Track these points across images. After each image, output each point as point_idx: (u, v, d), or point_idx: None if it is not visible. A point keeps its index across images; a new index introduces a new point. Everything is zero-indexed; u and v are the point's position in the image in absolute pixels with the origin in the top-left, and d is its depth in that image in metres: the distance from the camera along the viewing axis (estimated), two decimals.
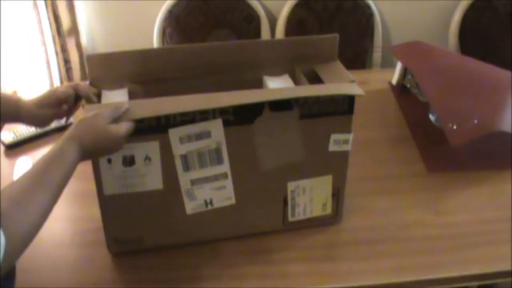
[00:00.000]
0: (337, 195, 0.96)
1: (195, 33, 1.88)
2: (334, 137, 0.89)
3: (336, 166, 0.93)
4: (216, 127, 0.83)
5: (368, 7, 1.91)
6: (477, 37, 1.97)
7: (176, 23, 1.86)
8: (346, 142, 0.90)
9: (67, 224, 1.02)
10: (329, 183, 0.94)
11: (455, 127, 1.10)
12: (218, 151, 0.85)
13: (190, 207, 0.89)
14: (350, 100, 0.86)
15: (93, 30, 1.95)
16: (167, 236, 0.93)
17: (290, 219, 0.96)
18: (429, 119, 1.26)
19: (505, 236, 0.98)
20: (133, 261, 0.92)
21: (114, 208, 0.87)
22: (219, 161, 0.86)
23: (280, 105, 0.84)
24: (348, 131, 0.89)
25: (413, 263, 0.93)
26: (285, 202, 0.94)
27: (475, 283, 0.96)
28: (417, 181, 1.11)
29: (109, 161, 0.82)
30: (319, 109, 0.86)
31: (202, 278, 0.90)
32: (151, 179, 0.85)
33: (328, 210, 0.97)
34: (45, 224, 0.65)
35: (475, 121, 1.10)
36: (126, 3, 1.89)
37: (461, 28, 1.95)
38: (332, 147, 0.90)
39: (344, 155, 0.92)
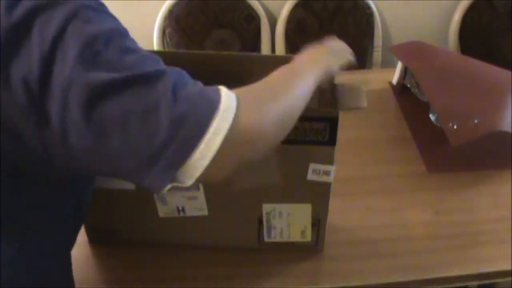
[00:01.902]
0: (318, 225, 0.90)
1: (195, 33, 1.88)
2: (313, 166, 0.83)
3: (316, 196, 0.87)
4: None
5: (368, 7, 1.91)
6: (477, 37, 1.97)
7: (176, 23, 1.86)
8: (327, 173, 0.83)
9: None
10: (308, 211, 0.89)
11: (455, 127, 1.10)
12: None
13: (163, 211, 0.89)
14: (331, 130, 0.79)
15: None
16: (141, 234, 0.94)
17: (266, 239, 0.93)
18: (429, 119, 1.26)
19: (505, 236, 0.98)
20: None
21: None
22: None
23: None
24: (329, 162, 0.82)
25: (413, 263, 0.93)
26: (260, 222, 0.90)
27: (475, 283, 0.96)
28: (417, 181, 1.11)
29: None
30: (296, 136, 0.80)
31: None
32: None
33: (308, 238, 0.93)
34: None
35: (475, 121, 1.10)
36: (126, 3, 1.89)
37: (461, 28, 1.95)
38: (310, 177, 0.84)
39: (325, 186, 0.85)
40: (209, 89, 0.57)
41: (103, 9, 0.57)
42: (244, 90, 0.61)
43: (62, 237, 0.73)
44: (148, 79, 0.53)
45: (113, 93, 0.52)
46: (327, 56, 0.80)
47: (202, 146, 0.54)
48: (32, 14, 0.52)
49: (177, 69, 0.58)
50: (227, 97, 0.57)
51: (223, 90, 0.58)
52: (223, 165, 0.57)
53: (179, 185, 0.57)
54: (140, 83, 0.53)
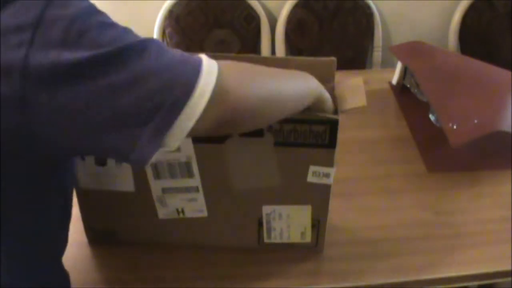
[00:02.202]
0: (317, 226, 0.90)
1: (195, 33, 1.88)
2: (313, 168, 0.83)
3: (316, 197, 0.87)
4: (185, 142, 0.79)
5: (368, 7, 1.91)
6: (477, 37, 1.97)
7: (176, 23, 1.86)
8: (327, 175, 0.83)
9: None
10: (308, 213, 0.89)
11: (455, 127, 1.10)
12: (188, 165, 0.82)
13: (162, 212, 0.89)
14: (331, 133, 0.79)
15: None
16: (140, 235, 0.94)
17: (266, 240, 0.93)
18: (429, 119, 1.26)
19: (505, 236, 0.97)
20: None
21: (89, 200, 0.89)
22: (190, 174, 0.84)
23: (248, 131, 0.76)
24: (329, 165, 0.82)
25: (413, 263, 0.93)
26: (260, 224, 0.90)
27: (475, 283, 0.96)
28: (417, 181, 1.11)
29: (83, 157, 0.82)
30: (296, 139, 0.80)
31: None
32: (123, 181, 0.85)
33: (308, 239, 0.92)
34: None
35: (475, 121, 1.10)
36: (126, 3, 1.89)
37: (461, 28, 1.95)
38: (310, 179, 0.84)
39: (325, 188, 0.85)
40: (190, 55, 0.61)
41: None
42: (228, 62, 0.64)
43: (51, 241, 0.73)
44: (132, 50, 0.56)
45: (101, 68, 0.54)
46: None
47: (188, 109, 0.57)
48: (4, 3, 0.53)
49: (155, 39, 0.60)
50: (208, 61, 0.60)
51: (203, 56, 0.61)
52: (207, 123, 0.60)
53: (166, 149, 0.59)
54: (126, 54, 0.55)
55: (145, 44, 0.57)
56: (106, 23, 0.57)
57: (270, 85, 0.68)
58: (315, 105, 0.77)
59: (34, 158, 0.58)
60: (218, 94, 0.59)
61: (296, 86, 0.73)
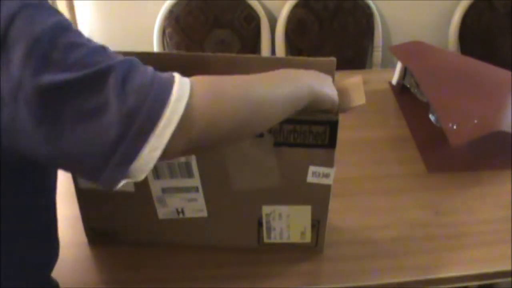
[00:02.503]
0: (317, 226, 0.90)
1: (195, 33, 1.88)
2: (312, 169, 0.83)
3: (315, 197, 0.87)
4: None
5: (368, 7, 1.91)
6: (477, 37, 1.97)
7: (176, 23, 1.86)
8: (326, 176, 0.83)
9: (70, 223, 1.02)
10: (307, 213, 0.88)
11: (455, 127, 1.10)
12: (187, 164, 0.82)
13: (162, 212, 0.89)
14: (331, 133, 0.79)
15: (93, 30, 1.95)
16: (140, 235, 0.94)
17: (266, 240, 0.93)
18: (429, 119, 1.26)
19: (505, 236, 0.97)
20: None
21: (88, 201, 0.89)
22: (189, 174, 0.83)
23: None
24: (329, 165, 0.82)
25: (413, 263, 0.93)
26: (260, 224, 0.90)
27: (475, 283, 0.96)
28: (417, 181, 1.11)
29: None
30: (295, 139, 0.80)
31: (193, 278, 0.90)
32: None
33: (307, 239, 0.92)
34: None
35: (475, 121, 1.10)
36: (126, 3, 1.89)
37: (461, 28, 1.95)
38: (310, 179, 0.84)
39: (325, 188, 0.85)
40: (162, 78, 0.57)
41: (43, 5, 0.55)
42: (205, 77, 0.61)
43: (33, 252, 0.71)
44: (96, 76, 0.53)
45: (63, 94, 0.52)
46: (316, 79, 0.77)
47: (152, 139, 0.54)
48: None
49: (128, 58, 0.56)
50: (180, 85, 0.56)
51: (177, 77, 0.57)
52: (175, 150, 0.57)
53: (132, 180, 0.56)
54: (89, 81, 0.52)
55: (111, 68, 0.53)
56: (73, 44, 0.53)
57: (250, 100, 0.64)
58: (314, 105, 0.74)
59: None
60: (187, 122, 0.55)
61: (281, 92, 0.69)
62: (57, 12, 0.56)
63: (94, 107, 0.52)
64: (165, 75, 0.57)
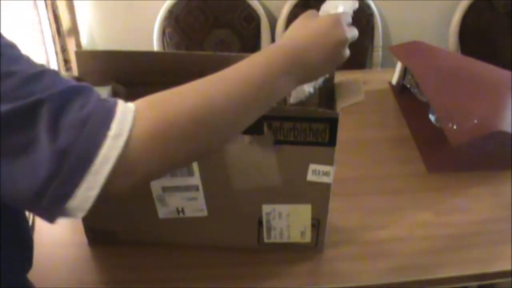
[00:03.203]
0: (317, 226, 0.90)
1: (195, 33, 1.88)
2: (313, 167, 0.83)
3: (315, 196, 0.87)
4: None
5: (368, 7, 1.91)
6: (477, 37, 1.97)
7: (176, 23, 1.86)
8: (326, 174, 0.83)
9: (70, 223, 1.02)
10: (307, 212, 0.88)
11: (455, 127, 1.10)
12: None
13: (162, 212, 0.89)
14: (331, 131, 0.79)
15: (93, 30, 1.95)
16: (140, 235, 0.94)
17: (266, 240, 0.93)
18: (429, 119, 1.26)
19: (505, 236, 0.97)
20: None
21: None
22: (190, 173, 0.84)
23: (249, 129, 0.74)
24: (329, 163, 0.82)
25: (413, 263, 0.93)
26: (260, 223, 0.90)
27: (475, 283, 0.96)
28: (417, 181, 1.11)
29: None
30: (295, 137, 0.80)
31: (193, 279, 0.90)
32: None
33: (308, 239, 0.92)
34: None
35: (475, 121, 1.10)
36: (126, 3, 1.89)
37: (461, 28, 1.95)
38: (310, 177, 0.83)
39: (325, 187, 0.85)
40: (101, 110, 0.52)
41: None
42: (154, 101, 0.56)
43: (11, 260, 0.68)
44: (27, 109, 0.49)
45: None
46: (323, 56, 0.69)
47: (89, 177, 0.50)
48: None
49: (70, 86, 0.52)
50: (122, 116, 0.52)
51: (120, 106, 0.53)
52: (120, 187, 0.53)
53: (70, 217, 0.52)
54: (19, 115, 0.49)
55: (44, 101, 0.49)
56: (7, 73, 0.50)
57: (207, 119, 0.57)
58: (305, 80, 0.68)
59: None
60: (130, 158, 0.51)
61: (249, 92, 0.61)
62: None
63: (24, 142, 0.49)
64: (107, 104, 0.52)
